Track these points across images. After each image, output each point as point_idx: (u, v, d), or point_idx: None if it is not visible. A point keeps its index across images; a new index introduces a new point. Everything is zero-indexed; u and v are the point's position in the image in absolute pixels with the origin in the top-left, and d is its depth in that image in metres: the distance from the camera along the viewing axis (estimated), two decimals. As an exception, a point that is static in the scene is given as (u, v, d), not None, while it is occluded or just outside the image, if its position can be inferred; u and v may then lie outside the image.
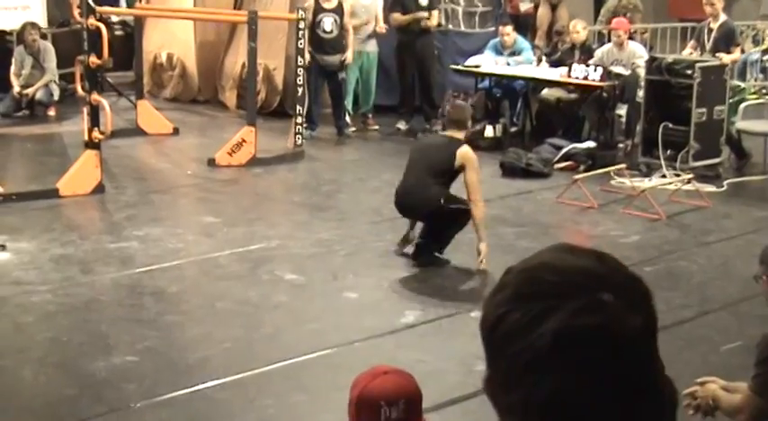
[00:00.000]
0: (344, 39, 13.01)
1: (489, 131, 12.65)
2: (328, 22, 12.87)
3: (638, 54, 12.28)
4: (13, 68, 14.16)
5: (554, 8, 14.63)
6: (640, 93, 11.79)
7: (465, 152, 8.09)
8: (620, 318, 1.36)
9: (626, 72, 12.09)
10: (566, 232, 9.71)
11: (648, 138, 11.35)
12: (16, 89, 14.06)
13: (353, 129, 13.47)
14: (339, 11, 12.96)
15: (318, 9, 12.90)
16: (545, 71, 12.97)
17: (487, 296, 1.44)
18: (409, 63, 13.50)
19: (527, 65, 13.26)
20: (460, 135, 8.25)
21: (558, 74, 12.49)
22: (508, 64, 13.24)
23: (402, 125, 13.69)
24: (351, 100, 13.64)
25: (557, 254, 1.44)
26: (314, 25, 12.82)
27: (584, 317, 1.34)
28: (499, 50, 13.40)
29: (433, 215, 8.15)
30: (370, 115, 13.83)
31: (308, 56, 12.47)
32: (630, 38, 12.85)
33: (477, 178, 8.11)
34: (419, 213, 8.31)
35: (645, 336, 1.39)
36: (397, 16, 13.33)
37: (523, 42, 13.66)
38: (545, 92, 12.92)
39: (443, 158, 8.12)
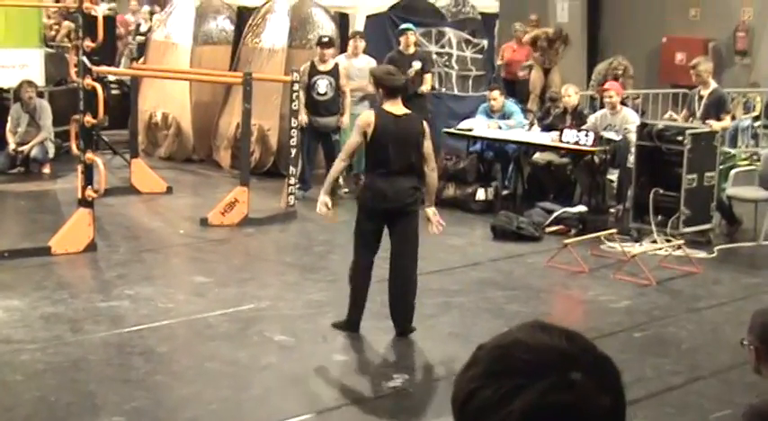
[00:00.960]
0: (340, 101, 13.12)
1: (481, 194, 12.71)
2: (323, 85, 12.98)
3: (631, 119, 12.37)
4: (8, 125, 14.24)
5: (547, 72, 14.79)
6: (631, 158, 11.87)
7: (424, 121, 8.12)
8: (590, 398, 1.38)
9: (617, 137, 12.18)
10: (556, 296, 9.74)
11: (639, 204, 11.41)
12: (12, 146, 14.13)
13: (346, 190, 13.52)
14: (334, 73, 13.08)
15: (314, 71, 13.03)
16: (537, 135, 13.06)
17: (459, 371, 1.47)
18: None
19: (519, 128, 13.36)
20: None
21: (550, 138, 12.58)
22: (500, 127, 13.34)
23: None
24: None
25: (529, 331, 1.47)
26: (309, 87, 12.93)
27: (553, 395, 1.37)
28: (489, 114, 13.51)
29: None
30: (362, 176, 13.85)
31: (304, 117, 12.62)
32: (623, 103, 12.96)
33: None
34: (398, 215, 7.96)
35: (614, 416, 1.41)
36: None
37: (512, 106, 13.78)
38: (537, 155, 13.01)
39: (415, 138, 7.89)
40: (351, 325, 8.05)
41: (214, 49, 15.56)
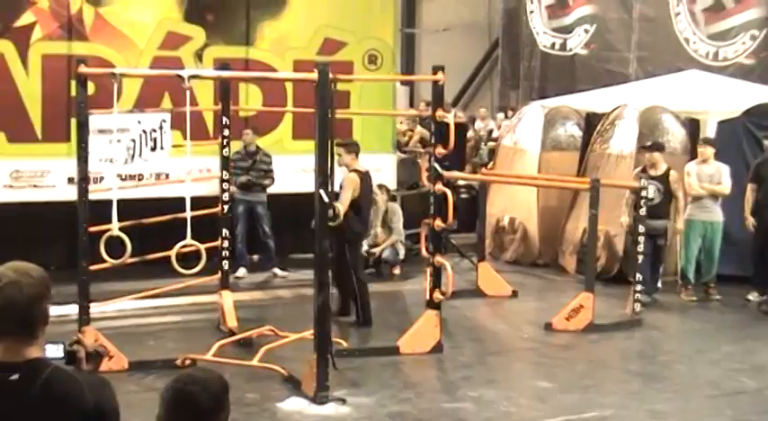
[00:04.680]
0: (669, 206, 12.91)
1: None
2: (651, 190, 12.78)
3: None
4: (363, 228, 14.84)
5: None
6: None
7: None
8: None
9: None
10: None
11: None
12: (364, 248, 14.68)
13: (695, 298, 13.15)
14: (664, 179, 12.88)
15: (643, 177, 12.90)
16: None
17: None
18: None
19: None
20: None
21: None
22: None
23: (754, 296, 13.20)
24: (692, 269, 13.34)
25: None
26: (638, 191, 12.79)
27: None
28: None
29: None
30: (712, 284, 13.48)
31: (626, 219, 12.57)
32: None
33: None
34: None
35: None
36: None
37: None
38: None
39: None
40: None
41: (562, 154, 15.68)
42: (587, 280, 12.05)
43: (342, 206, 10.89)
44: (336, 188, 10.77)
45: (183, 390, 3.42)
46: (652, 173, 12.94)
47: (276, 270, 14.21)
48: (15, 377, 3.42)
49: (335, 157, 10.02)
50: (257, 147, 13.97)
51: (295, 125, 14.57)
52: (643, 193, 12.17)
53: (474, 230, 15.00)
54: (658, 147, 13.19)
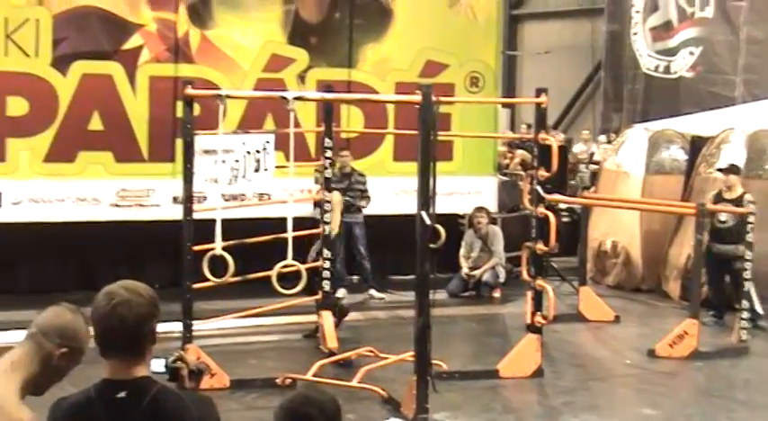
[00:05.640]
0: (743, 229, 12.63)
1: None
2: (723, 213, 12.53)
3: None
4: (462, 250, 14.79)
5: None
6: None
7: None
8: None
9: None
10: None
11: None
12: (464, 270, 14.66)
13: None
14: (738, 202, 12.63)
15: (718, 199, 12.70)
16: None
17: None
18: None
19: None
20: None
21: None
22: None
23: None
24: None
25: None
26: (711, 214, 12.57)
27: None
28: None
29: None
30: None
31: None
32: None
33: None
34: None
35: None
36: None
37: None
38: None
39: None
40: None
41: (666, 178, 15.46)
42: (692, 306, 11.85)
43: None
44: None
45: (298, 411, 3.41)
46: (727, 196, 12.72)
47: (372, 291, 14.24)
48: (123, 395, 3.47)
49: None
50: (352, 168, 14.02)
51: (396, 147, 14.61)
52: (722, 217, 12.02)
53: (575, 254, 14.86)
54: (734, 170, 12.98)
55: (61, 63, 12.91)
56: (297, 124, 10.10)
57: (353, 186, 13.98)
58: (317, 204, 11.97)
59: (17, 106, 12.77)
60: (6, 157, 12.76)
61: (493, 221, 15.00)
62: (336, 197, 12.24)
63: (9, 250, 13.14)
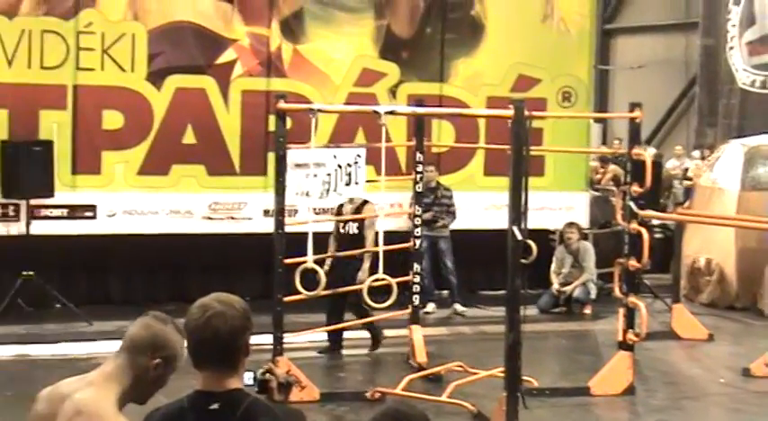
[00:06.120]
0: None
1: None
2: None
3: None
4: (553, 266, 14.68)
5: None
6: None
7: None
8: None
9: None
10: None
11: None
12: (555, 286, 14.54)
13: None
14: None
15: None
16: None
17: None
18: None
19: None
20: None
21: None
22: None
23: None
24: None
25: None
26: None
27: None
28: None
29: None
30: None
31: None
32: None
33: None
34: None
35: None
36: None
37: None
38: None
39: None
40: None
41: (762, 194, 15.15)
42: (789, 325, 11.63)
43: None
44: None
45: None
46: None
47: (457, 306, 14.17)
48: (216, 406, 3.48)
49: None
50: (437, 182, 13.98)
51: (487, 161, 14.56)
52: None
53: (668, 271, 14.68)
54: None
55: (156, 77, 13.13)
56: (388, 138, 10.12)
57: (439, 201, 13.94)
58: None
59: (113, 120, 13.00)
60: (102, 170, 12.99)
61: (584, 237, 14.87)
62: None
63: (103, 261, 13.39)
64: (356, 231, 11.49)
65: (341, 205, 11.51)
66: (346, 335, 11.83)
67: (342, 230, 11.52)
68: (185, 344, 3.61)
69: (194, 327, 3.52)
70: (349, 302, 11.36)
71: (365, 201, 11.24)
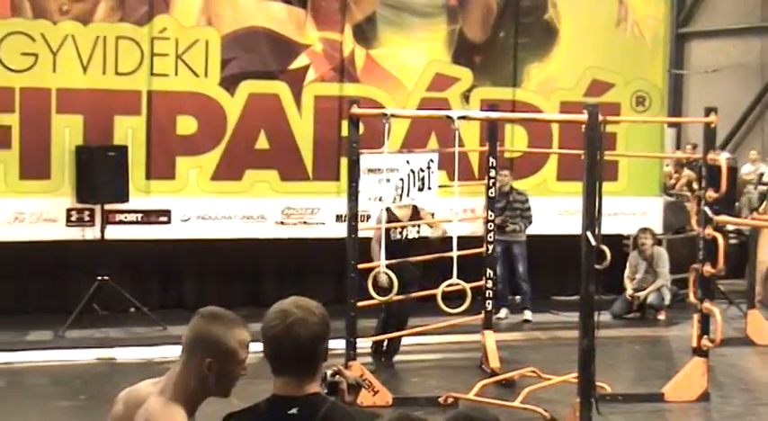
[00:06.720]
0: None
1: None
2: None
3: None
4: (627, 271, 14.57)
5: None
6: None
7: None
8: None
9: None
10: None
11: None
12: (629, 292, 14.43)
13: None
14: None
15: None
16: None
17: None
18: None
19: None
20: None
21: None
22: None
23: None
24: None
25: None
26: None
27: None
28: None
29: None
30: None
31: None
32: None
33: None
34: None
35: None
36: None
37: None
38: None
39: None
40: None
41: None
42: None
43: None
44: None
45: None
46: None
47: (527, 312, 14.08)
48: (294, 411, 3.50)
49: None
50: (511, 187, 13.91)
51: (560, 166, 14.49)
52: None
53: (743, 277, 14.50)
54: None
55: (229, 83, 13.25)
56: (461, 143, 10.12)
57: (511, 205, 13.86)
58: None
59: (186, 125, 13.14)
60: (176, 175, 13.12)
61: (658, 242, 14.73)
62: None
63: (177, 266, 13.55)
64: (416, 236, 11.46)
65: (388, 210, 10.93)
66: (418, 340, 11.85)
67: (397, 236, 11.29)
68: (243, 336, 3.62)
69: (274, 334, 3.51)
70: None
71: (415, 206, 11.14)
